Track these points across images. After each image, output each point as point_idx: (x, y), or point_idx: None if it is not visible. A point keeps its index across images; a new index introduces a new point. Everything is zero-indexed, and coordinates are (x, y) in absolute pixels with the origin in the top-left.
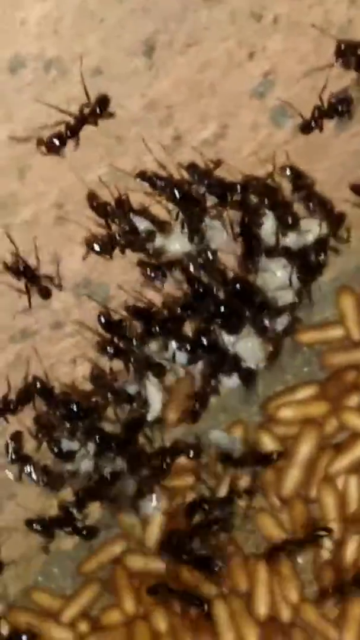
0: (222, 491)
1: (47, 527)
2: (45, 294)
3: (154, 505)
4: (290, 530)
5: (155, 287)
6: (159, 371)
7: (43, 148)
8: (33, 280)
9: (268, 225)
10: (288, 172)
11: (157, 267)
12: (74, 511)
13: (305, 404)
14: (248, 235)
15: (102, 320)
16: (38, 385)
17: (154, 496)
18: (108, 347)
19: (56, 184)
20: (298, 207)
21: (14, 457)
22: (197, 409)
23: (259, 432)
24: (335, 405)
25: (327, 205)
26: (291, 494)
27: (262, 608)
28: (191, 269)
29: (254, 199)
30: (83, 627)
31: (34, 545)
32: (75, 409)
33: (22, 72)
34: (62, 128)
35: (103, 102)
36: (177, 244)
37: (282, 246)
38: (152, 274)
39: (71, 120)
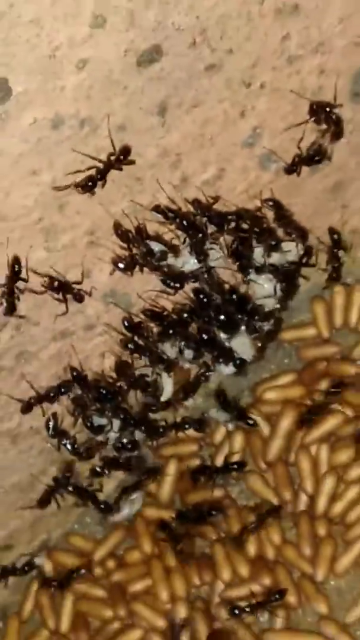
0: (219, 458)
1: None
2: (79, 299)
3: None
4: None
5: (167, 295)
6: (169, 364)
7: (79, 189)
8: (69, 290)
9: (257, 248)
10: (272, 205)
11: (175, 279)
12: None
13: (285, 388)
14: (240, 255)
15: (125, 323)
16: (74, 374)
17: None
18: (129, 344)
19: (88, 216)
20: (280, 233)
21: (53, 432)
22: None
23: (251, 408)
24: (309, 388)
25: (303, 231)
26: (274, 459)
27: (251, 549)
28: (196, 282)
29: (245, 226)
30: (110, 564)
31: (70, 500)
32: (103, 393)
33: (62, 128)
34: (93, 172)
35: (125, 151)
36: (184, 263)
37: (268, 264)
38: (171, 285)
39: (100, 166)
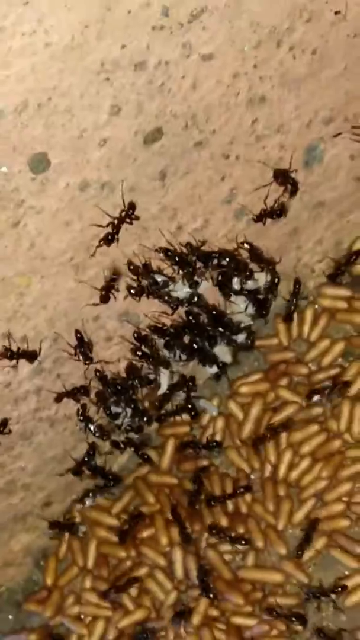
0: (204, 437)
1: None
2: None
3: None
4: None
5: (167, 315)
6: (167, 365)
7: (102, 243)
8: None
9: (235, 277)
10: (246, 246)
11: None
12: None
13: (255, 384)
14: (221, 284)
15: (135, 335)
16: (97, 374)
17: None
18: (138, 352)
19: (108, 255)
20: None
21: (81, 417)
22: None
23: (228, 401)
24: (273, 384)
25: (270, 264)
26: (246, 437)
27: (229, 506)
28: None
29: (224, 262)
30: (124, 517)
31: None
32: (119, 388)
33: (87, 190)
34: (110, 229)
35: (132, 206)
36: (179, 290)
37: (244, 289)
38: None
39: (115, 221)
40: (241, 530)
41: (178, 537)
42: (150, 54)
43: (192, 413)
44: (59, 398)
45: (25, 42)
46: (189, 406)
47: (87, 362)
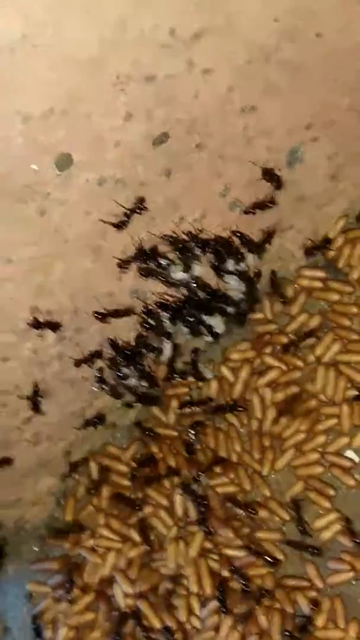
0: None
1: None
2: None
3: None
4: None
5: (170, 293)
6: (169, 335)
7: (116, 227)
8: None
9: (229, 260)
10: (237, 234)
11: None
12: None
13: (244, 351)
14: (216, 266)
15: (143, 310)
16: (111, 342)
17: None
18: (145, 324)
19: (121, 241)
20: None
21: (97, 379)
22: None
23: (220, 366)
24: (259, 352)
25: (258, 247)
26: (237, 396)
27: (222, 452)
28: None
29: (219, 248)
30: (133, 464)
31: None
32: (129, 354)
33: (104, 185)
34: (123, 217)
35: (141, 200)
36: (180, 273)
37: (235, 269)
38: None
39: (127, 212)
40: (231, 475)
41: (178, 482)
42: (159, 68)
43: (200, 377)
44: (77, 363)
45: (53, 57)
46: (195, 371)
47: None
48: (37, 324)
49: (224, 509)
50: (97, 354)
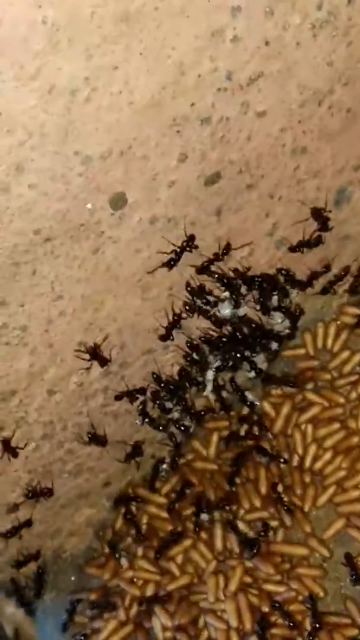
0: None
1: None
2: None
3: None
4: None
5: (215, 329)
6: (212, 369)
7: (165, 267)
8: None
9: (274, 298)
10: (282, 271)
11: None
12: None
13: (284, 388)
14: (262, 302)
15: (188, 344)
16: (154, 376)
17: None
18: (189, 358)
19: (169, 278)
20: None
21: (140, 412)
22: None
23: (262, 401)
24: (301, 387)
25: (302, 284)
26: (278, 432)
27: (262, 489)
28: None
29: (265, 285)
30: (172, 496)
31: (147, 456)
32: (172, 388)
33: (156, 223)
34: (173, 255)
35: (192, 238)
36: (226, 309)
37: (282, 306)
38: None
39: (177, 250)
40: (272, 510)
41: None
42: (215, 111)
43: (247, 402)
44: (119, 397)
45: (113, 101)
46: (242, 397)
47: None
48: (93, 355)
49: (266, 543)
50: (140, 390)
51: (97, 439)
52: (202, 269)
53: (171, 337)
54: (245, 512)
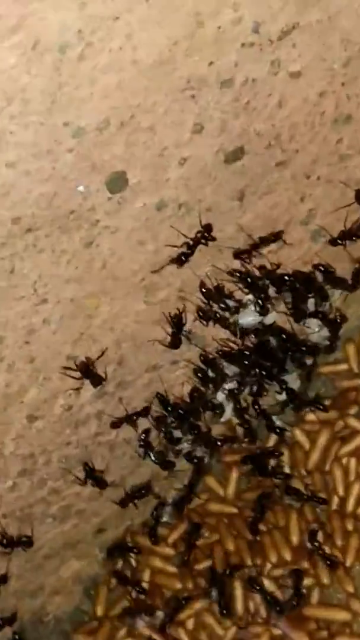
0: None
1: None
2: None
3: None
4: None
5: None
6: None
7: (175, 263)
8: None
9: (310, 301)
10: (320, 268)
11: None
12: None
13: (322, 412)
14: (296, 306)
15: (202, 358)
16: (160, 397)
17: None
18: (203, 375)
19: (179, 277)
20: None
21: (141, 443)
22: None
23: (294, 429)
24: (342, 412)
25: (345, 283)
26: (313, 468)
27: (294, 539)
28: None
29: (298, 286)
30: (181, 546)
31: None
32: (182, 412)
33: (164, 210)
34: (185, 249)
35: (208, 228)
36: (248, 317)
37: (319, 311)
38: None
39: (190, 242)
40: (305, 564)
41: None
42: (238, 71)
43: (277, 430)
44: (116, 425)
45: (113, 59)
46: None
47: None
48: (85, 372)
49: (298, 605)
50: (141, 411)
51: (96, 479)
52: (241, 253)
53: (180, 341)
54: (272, 566)
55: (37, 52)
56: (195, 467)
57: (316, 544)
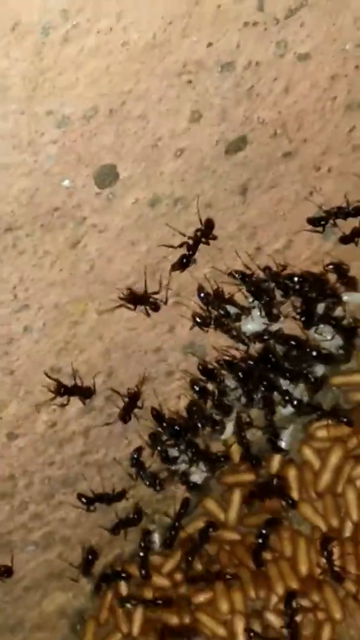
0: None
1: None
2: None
3: None
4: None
5: (236, 349)
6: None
7: (176, 269)
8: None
9: (320, 306)
10: (332, 267)
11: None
12: None
13: (334, 427)
14: (307, 310)
15: (201, 368)
16: (154, 413)
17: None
18: (201, 388)
19: (177, 279)
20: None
21: (133, 462)
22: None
23: (302, 447)
24: (356, 428)
25: (357, 283)
26: (324, 490)
27: (303, 569)
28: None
29: (307, 288)
30: (177, 577)
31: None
32: (178, 429)
33: (158, 206)
34: (184, 249)
35: (209, 224)
36: (252, 323)
37: (330, 316)
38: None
39: (190, 242)
40: (315, 597)
41: (241, 605)
42: (240, 53)
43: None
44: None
45: (101, 41)
46: (274, 442)
47: None
48: (62, 390)
49: None
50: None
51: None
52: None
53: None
54: (278, 599)
55: (17, 33)
56: (190, 492)
57: (326, 552)
